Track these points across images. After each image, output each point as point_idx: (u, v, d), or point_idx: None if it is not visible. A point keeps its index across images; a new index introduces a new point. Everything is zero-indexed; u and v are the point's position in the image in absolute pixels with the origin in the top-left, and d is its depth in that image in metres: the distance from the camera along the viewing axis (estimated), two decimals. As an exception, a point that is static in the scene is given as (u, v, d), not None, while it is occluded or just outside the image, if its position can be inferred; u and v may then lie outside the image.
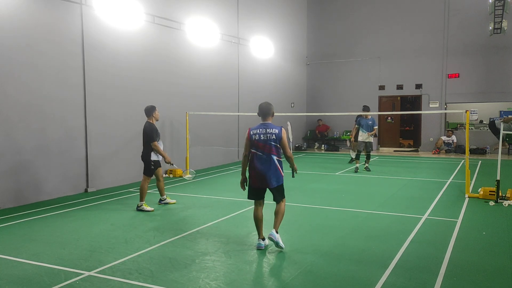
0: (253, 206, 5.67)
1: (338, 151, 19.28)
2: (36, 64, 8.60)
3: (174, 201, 8.42)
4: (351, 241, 5.88)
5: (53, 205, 8.32)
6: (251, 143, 5.46)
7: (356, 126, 13.06)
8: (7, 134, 8.11)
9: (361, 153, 12.90)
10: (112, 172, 10.40)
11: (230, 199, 8.80)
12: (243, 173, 5.62)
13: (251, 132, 5.48)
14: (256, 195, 5.57)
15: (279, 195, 5.55)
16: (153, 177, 8.16)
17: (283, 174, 5.55)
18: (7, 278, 4.65)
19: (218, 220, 7.06)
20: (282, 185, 5.56)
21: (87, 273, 4.73)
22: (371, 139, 12.85)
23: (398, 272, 4.68)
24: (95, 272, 4.76)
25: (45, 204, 8.40)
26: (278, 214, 5.51)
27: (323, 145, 19.96)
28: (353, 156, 14.64)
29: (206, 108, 13.34)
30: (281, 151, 5.51)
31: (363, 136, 12.71)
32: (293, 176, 5.84)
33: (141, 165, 11.19)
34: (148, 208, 7.75)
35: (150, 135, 7.77)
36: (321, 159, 15.95)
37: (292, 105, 19.82)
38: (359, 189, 10.07)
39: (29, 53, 8.46)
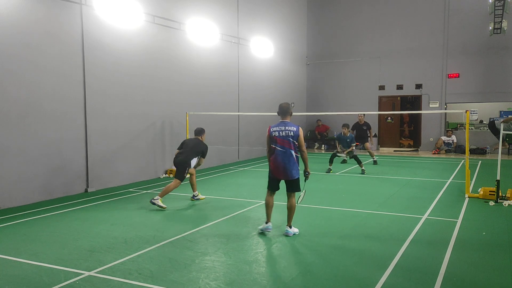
0: (265, 196, 6.29)
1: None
2: (37, 64, 8.60)
3: (203, 196, 8.81)
4: (351, 241, 5.88)
5: (53, 205, 8.32)
6: (271, 139, 6.09)
7: (337, 140, 13.53)
8: (7, 134, 8.10)
9: (337, 156, 13.21)
10: (112, 172, 10.40)
11: (230, 199, 8.80)
12: None
13: (271, 129, 6.10)
14: (274, 185, 6.21)
15: (295, 187, 6.12)
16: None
17: (299, 168, 6.14)
18: (7, 278, 4.65)
19: (218, 220, 7.06)
20: (299, 178, 6.12)
21: (87, 273, 4.73)
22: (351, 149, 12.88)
23: (398, 272, 4.68)
24: (95, 272, 4.76)
25: (45, 204, 8.40)
26: (291, 210, 6.11)
27: (323, 145, 19.98)
28: (344, 157, 14.67)
29: (206, 108, 13.34)
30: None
31: (342, 152, 13.10)
32: (305, 180, 6.18)
33: (141, 164, 11.26)
34: (162, 204, 7.86)
35: (203, 151, 8.48)
36: (321, 159, 15.93)
37: (292, 105, 19.81)
38: (359, 189, 10.06)
39: (29, 53, 8.45)
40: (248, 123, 15.91)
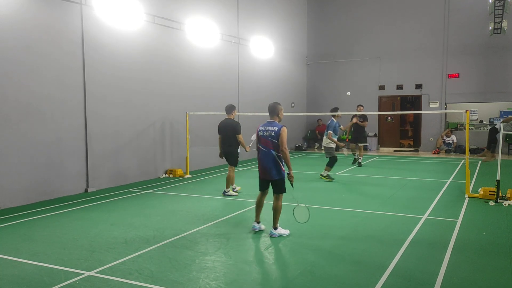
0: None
1: (338, 151, 19.23)
2: (36, 64, 8.60)
3: (239, 187, 9.40)
4: (351, 241, 5.88)
5: (53, 205, 8.32)
6: (258, 138, 6.09)
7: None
8: (8, 134, 8.10)
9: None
10: (112, 172, 10.40)
11: (230, 199, 8.80)
12: None
13: (259, 129, 6.10)
14: (261, 185, 6.24)
15: (277, 188, 6.03)
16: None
17: (284, 170, 5.99)
18: (7, 278, 4.65)
19: (218, 220, 7.06)
20: (282, 179, 5.99)
21: (87, 273, 4.73)
22: (331, 145, 11.37)
23: (398, 272, 4.68)
24: (95, 272, 4.76)
25: (45, 204, 8.40)
26: (276, 212, 6.01)
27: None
28: (356, 157, 14.56)
29: (206, 108, 13.33)
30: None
31: (325, 141, 11.44)
32: (292, 186, 6.00)
33: (141, 164, 11.25)
34: (234, 192, 9.00)
35: (237, 128, 9.01)
36: (321, 159, 15.92)
37: (292, 105, 19.81)
38: (359, 189, 10.07)
39: (29, 54, 8.45)
40: (248, 123, 15.87)
